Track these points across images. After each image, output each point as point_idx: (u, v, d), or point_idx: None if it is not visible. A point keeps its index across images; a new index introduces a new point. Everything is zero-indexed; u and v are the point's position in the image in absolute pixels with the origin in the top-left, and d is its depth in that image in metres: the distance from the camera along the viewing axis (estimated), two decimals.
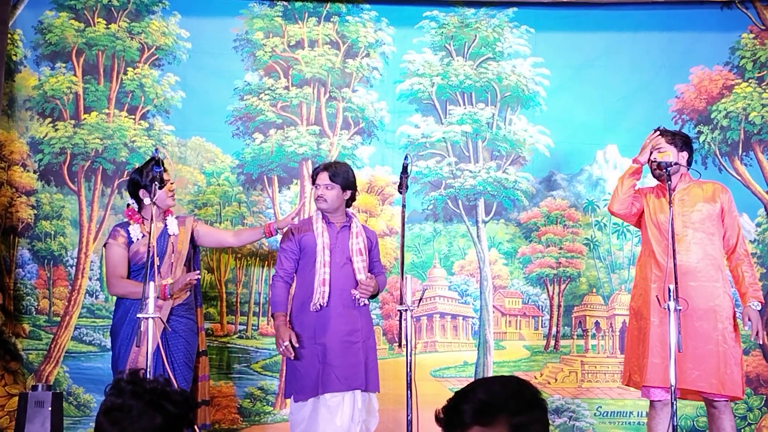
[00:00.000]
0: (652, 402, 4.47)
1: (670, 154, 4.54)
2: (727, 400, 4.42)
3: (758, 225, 5.62)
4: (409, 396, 4.09)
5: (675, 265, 4.19)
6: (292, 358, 4.56)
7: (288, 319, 4.68)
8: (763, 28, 5.70)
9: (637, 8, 5.73)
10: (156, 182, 4.47)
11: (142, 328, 4.13)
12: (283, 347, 4.54)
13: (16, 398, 5.12)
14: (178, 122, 5.68)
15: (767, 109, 5.66)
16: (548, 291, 5.64)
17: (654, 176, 4.64)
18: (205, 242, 4.90)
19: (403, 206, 4.41)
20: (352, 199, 4.77)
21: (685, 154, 4.59)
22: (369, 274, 4.66)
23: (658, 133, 4.62)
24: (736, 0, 5.65)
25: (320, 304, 4.54)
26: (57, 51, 5.68)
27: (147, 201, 4.58)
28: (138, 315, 4.17)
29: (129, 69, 5.68)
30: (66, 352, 5.51)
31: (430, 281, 5.63)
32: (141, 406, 2.08)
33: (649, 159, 4.59)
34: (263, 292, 5.59)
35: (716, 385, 4.33)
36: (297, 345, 4.53)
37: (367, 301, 4.68)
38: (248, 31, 5.74)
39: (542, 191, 5.70)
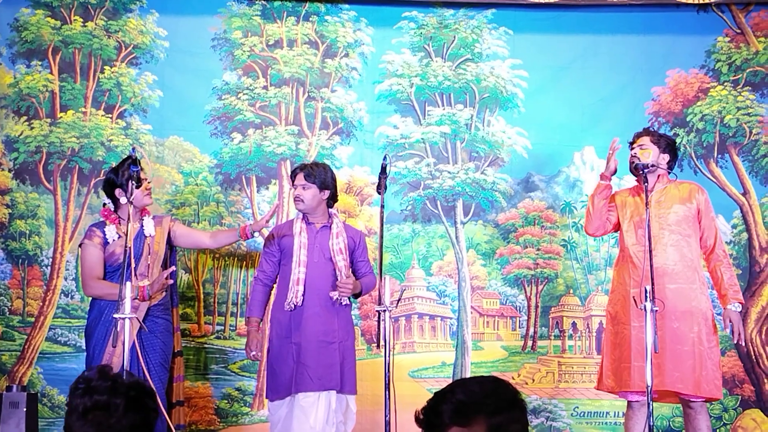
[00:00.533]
0: (629, 402, 4.50)
1: (650, 152, 4.55)
2: (703, 401, 4.45)
3: (734, 227, 5.68)
4: (387, 397, 4.08)
5: (651, 266, 4.20)
6: (258, 361, 4.61)
7: (268, 317, 4.68)
8: (738, 31, 5.75)
9: (614, 11, 5.76)
10: (132, 181, 4.43)
11: (118, 328, 4.09)
12: (251, 355, 4.63)
13: None
14: (156, 121, 5.64)
15: (742, 112, 5.72)
16: (526, 292, 5.66)
17: (630, 171, 4.66)
18: (181, 243, 4.86)
19: (382, 207, 4.41)
20: (333, 199, 4.74)
21: (666, 156, 4.60)
22: (348, 273, 4.65)
23: (617, 141, 4.62)
24: (713, 3, 5.70)
25: (294, 304, 4.52)
26: (33, 49, 5.62)
27: (123, 200, 4.54)
28: (114, 315, 4.13)
29: (106, 67, 5.63)
30: (40, 353, 5.46)
31: (409, 282, 5.63)
32: (125, 404, 2.00)
33: (630, 156, 4.60)
34: (241, 292, 5.56)
35: (692, 387, 4.35)
36: (260, 359, 4.56)
37: (348, 301, 4.67)
38: (226, 30, 5.71)
39: (520, 192, 5.72)
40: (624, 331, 4.44)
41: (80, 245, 4.69)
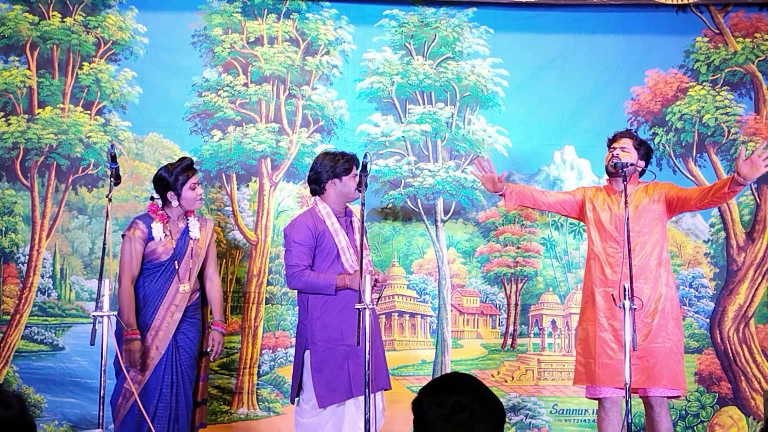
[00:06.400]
0: (600, 402, 4.53)
1: (631, 156, 4.60)
2: (665, 399, 4.50)
3: (712, 225, 5.72)
4: (367, 395, 4.07)
5: (630, 265, 4.23)
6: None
7: (312, 321, 4.51)
8: (717, 32, 5.80)
9: (594, 10, 5.79)
10: (112, 178, 4.40)
11: (95, 326, 4.05)
12: (382, 277, 4.48)
13: None
14: (135, 118, 5.61)
15: (720, 112, 5.76)
16: (505, 290, 5.68)
17: (607, 173, 4.69)
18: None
19: (363, 204, 4.40)
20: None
21: (642, 164, 4.69)
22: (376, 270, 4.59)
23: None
24: (691, 4, 5.74)
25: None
26: (10, 44, 5.57)
27: (174, 203, 4.55)
28: (92, 313, 4.09)
29: (85, 63, 5.59)
30: (16, 352, 5.41)
31: (389, 280, 5.62)
32: None
33: (610, 156, 4.63)
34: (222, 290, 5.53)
35: (653, 381, 4.43)
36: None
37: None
38: (207, 27, 5.69)
39: None
40: (588, 328, 4.52)
41: (123, 236, 4.64)
